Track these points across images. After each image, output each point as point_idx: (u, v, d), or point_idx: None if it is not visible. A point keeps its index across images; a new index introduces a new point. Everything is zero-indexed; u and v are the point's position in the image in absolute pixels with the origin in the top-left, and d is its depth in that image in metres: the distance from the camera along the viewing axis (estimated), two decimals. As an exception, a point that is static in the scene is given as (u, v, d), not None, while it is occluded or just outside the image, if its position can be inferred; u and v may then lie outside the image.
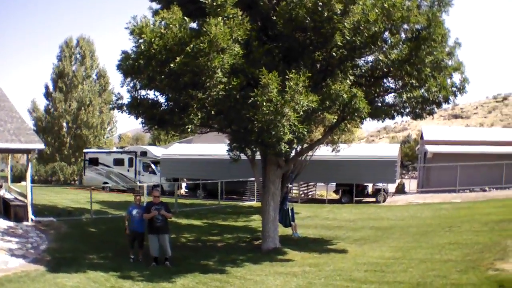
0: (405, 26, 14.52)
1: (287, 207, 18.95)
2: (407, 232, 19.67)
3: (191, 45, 12.35)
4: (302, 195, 33.60)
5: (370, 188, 32.58)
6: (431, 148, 35.08)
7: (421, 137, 40.61)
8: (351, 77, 14.59)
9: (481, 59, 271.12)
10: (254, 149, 15.82)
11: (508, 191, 31.08)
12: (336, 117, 16.69)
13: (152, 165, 37.54)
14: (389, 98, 16.91)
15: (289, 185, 23.09)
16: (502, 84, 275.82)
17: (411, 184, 37.44)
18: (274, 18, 14.00)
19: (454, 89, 16.08)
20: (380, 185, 31.26)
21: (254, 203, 29.23)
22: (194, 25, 14.15)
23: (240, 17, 13.01)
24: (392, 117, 17.21)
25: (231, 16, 12.91)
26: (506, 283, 11.14)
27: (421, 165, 39.07)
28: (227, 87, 13.08)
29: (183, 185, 36.82)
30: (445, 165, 33.06)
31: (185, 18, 13.00)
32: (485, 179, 32.90)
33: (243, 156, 16.67)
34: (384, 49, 14.66)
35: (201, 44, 12.21)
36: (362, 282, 12.51)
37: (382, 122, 18.05)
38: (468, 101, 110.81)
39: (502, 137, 37.28)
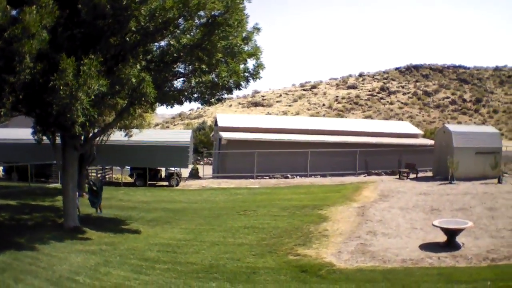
0: (202, 12, 15.73)
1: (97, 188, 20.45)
2: (199, 214, 20.90)
3: (8, 32, 13.14)
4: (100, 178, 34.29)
5: (163, 172, 34.08)
6: (225, 135, 36.59)
7: (216, 124, 42.09)
8: (143, 62, 15.82)
9: (294, 48, 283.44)
10: (53, 131, 16.98)
11: (314, 179, 33.86)
12: (126, 102, 17.62)
13: None
14: (179, 83, 18.11)
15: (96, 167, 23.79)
16: (312, 73, 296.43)
17: (206, 170, 38.97)
18: (80, 6, 14.80)
19: (247, 74, 17.48)
20: (172, 169, 32.98)
21: (58, 185, 29.60)
22: (15, 12, 14.57)
23: (51, 5, 13.64)
24: (181, 103, 18.49)
25: (44, 4, 13.55)
26: (309, 268, 12.45)
27: (216, 151, 40.77)
28: (32, 72, 13.74)
29: (0, 168, 37.80)
30: (242, 152, 34.87)
31: (8, 6, 13.64)
32: (288, 166, 35.26)
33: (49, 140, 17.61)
34: (176, 34, 15.61)
35: (15, 31, 13.05)
36: (155, 261, 13.58)
37: (172, 107, 19.28)
38: (271, 89, 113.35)
39: (307, 126, 40.42)
